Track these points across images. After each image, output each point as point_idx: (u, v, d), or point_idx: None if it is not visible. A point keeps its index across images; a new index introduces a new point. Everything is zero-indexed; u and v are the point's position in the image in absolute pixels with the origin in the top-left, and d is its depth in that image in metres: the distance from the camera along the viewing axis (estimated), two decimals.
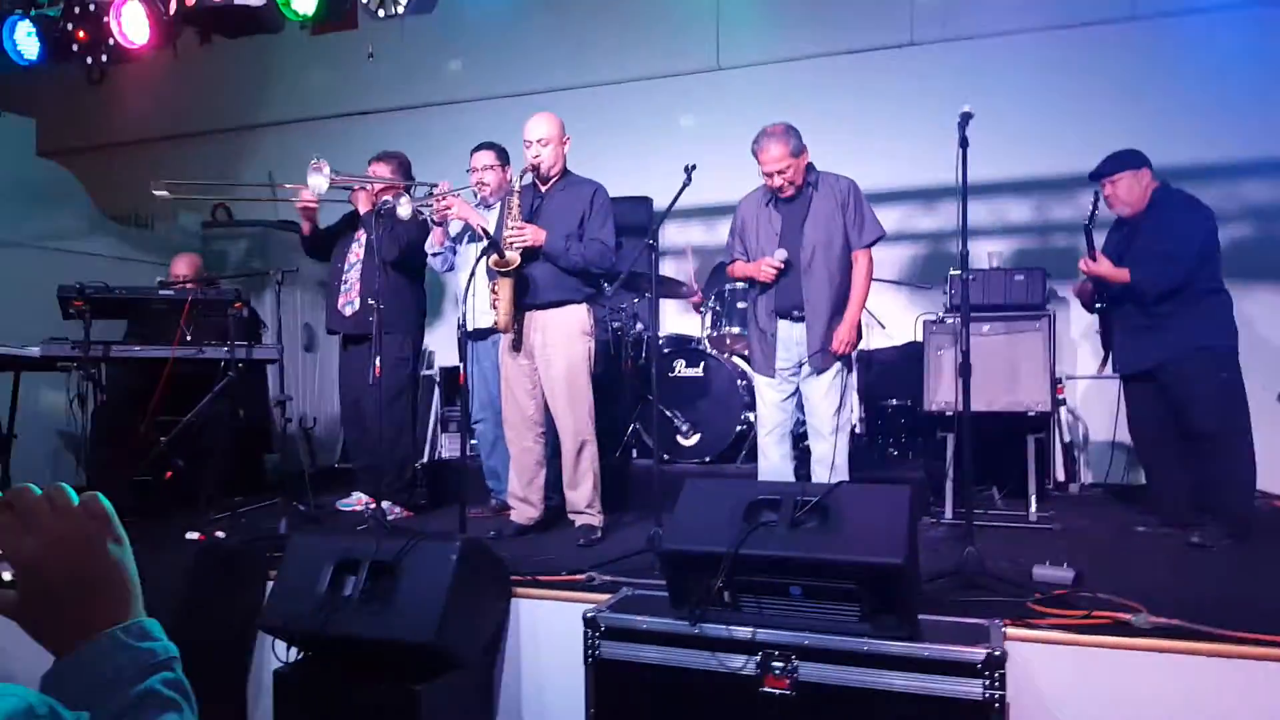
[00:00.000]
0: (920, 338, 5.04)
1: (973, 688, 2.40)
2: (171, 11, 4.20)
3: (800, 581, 2.54)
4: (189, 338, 4.58)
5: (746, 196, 4.11)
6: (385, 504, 4.35)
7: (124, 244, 6.35)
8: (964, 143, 3.28)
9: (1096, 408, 5.49)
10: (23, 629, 0.82)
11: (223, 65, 6.10)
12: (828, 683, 2.51)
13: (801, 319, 3.87)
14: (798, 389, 3.95)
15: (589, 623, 2.76)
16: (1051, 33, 5.63)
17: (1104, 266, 3.92)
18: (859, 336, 3.95)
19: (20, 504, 0.78)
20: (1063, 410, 5.24)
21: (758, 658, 2.57)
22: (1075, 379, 5.54)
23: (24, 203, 5.74)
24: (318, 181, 4.22)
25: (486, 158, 4.48)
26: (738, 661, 2.59)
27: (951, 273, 4.85)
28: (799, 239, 3.86)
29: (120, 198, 6.86)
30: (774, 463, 3.96)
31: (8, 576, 0.80)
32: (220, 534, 3.99)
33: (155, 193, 4.36)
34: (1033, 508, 4.38)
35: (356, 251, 4.58)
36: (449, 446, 5.97)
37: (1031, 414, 4.36)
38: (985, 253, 5.23)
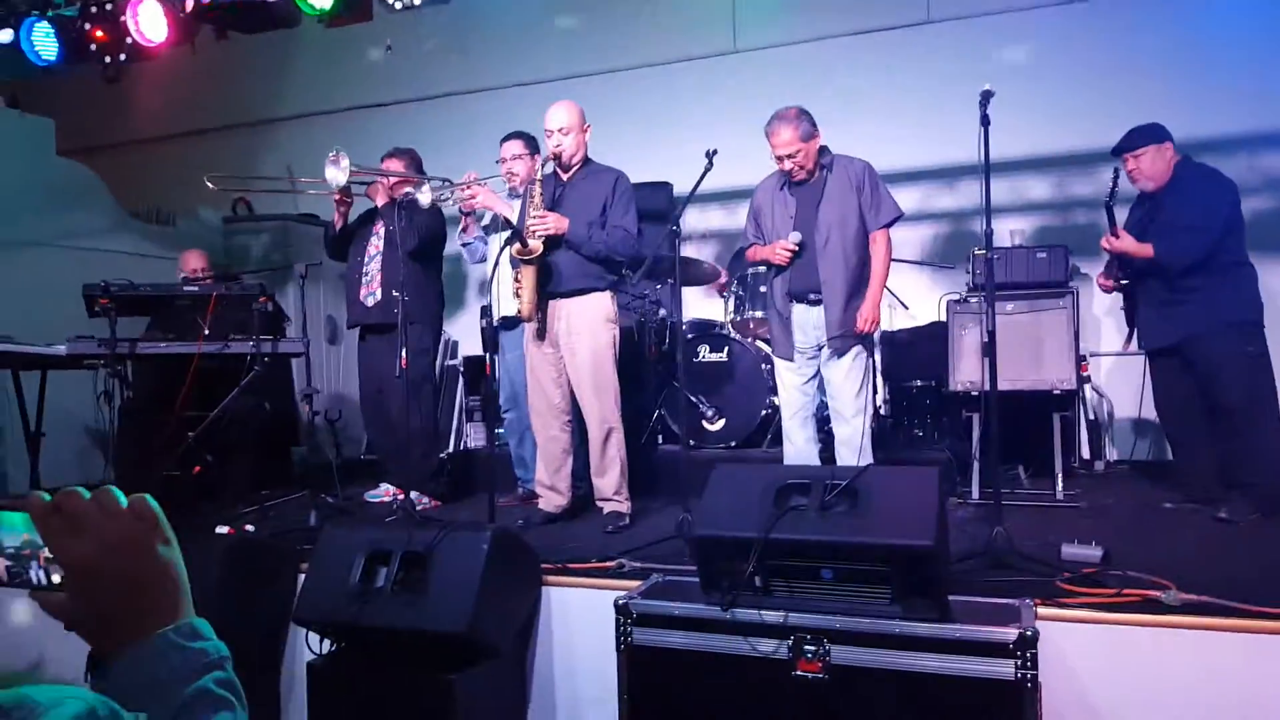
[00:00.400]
0: (943, 317, 5.03)
1: (1005, 668, 2.40)
2: (189, 9, 4.21)
3: (831, 565, 2.55)
4: (207, 332, 4.63)
5: (763, 181, 4.10)
6: (413, 495, 4.38)
7: (146, 241, 6.40)
8: (985, 121, 3.26)
9: (1121, 385, 5.45)
10: (73, 631, 0.83)
11: (238, 60, 6.12)
12: (860, 665, 2.52)
13: (818, 302, 3.87)
14: (818, 372, 3.96)
15: (621, 609, 2.78)
16: (1067, 7, 5.57)
17: (1127, 243, 3.89)
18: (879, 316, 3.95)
19: (70, 507, 0.79)
20: (1087, 388, 5.21)
21: (789, 641, 2.58)
22: (1099, 356, 5.51)
23: (46, 202, 5.79)
24: (335, 174, 4.23)
25: (515, 147, 4.48)
26: (769, 645, 2.60)
27: (975, 252, 4.83)
28: (814, 221, 3.85)
29: (140, 195, 6.92)
30: (799, 446, 3.97)
31: (57, 579, 0.82)
32: (249, 528, 4.03)
33: (208, 184, 4.38)
34: (1059, 486, 4.37)
35: (375, 244, 4.61)
36: (474, 436, 6.00)
37: (1057, 392, 4.34)
38: (1007, 231, 5.20)
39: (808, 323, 3.92)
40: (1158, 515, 3.99)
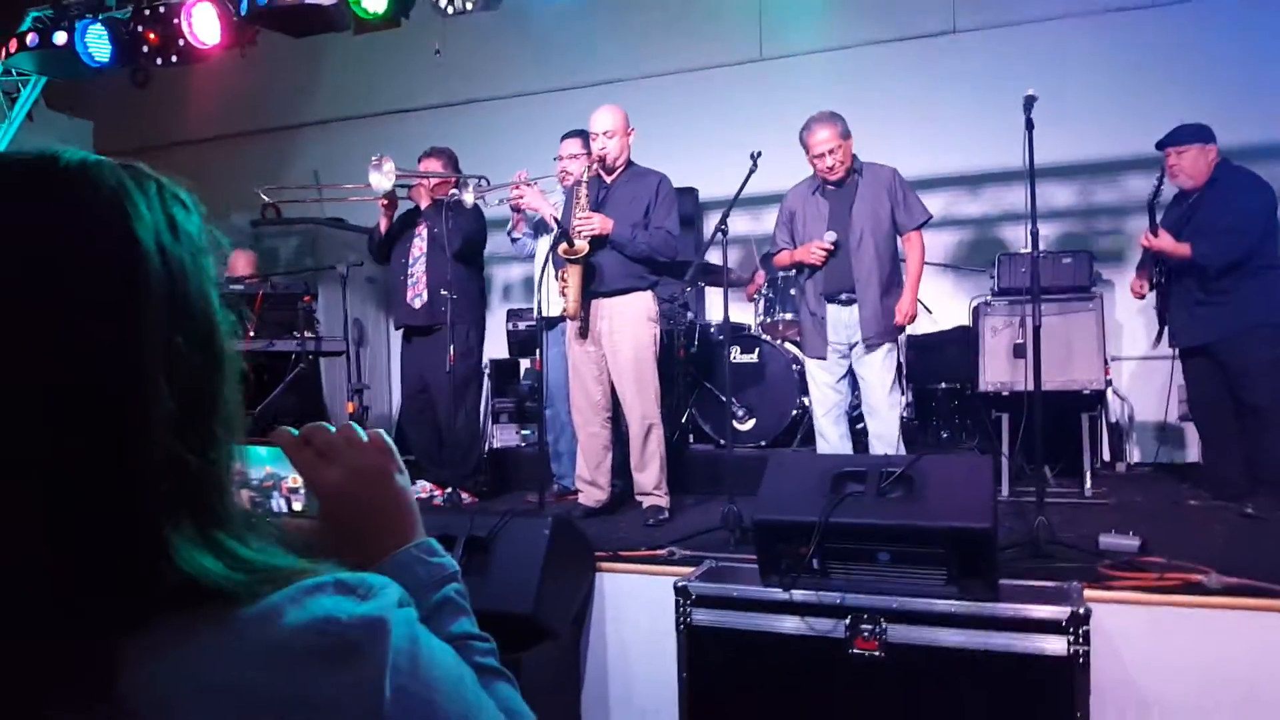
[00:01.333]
0: (969, 321, 5.14)
1: (1058, 644, 2.50)
2: (243, 12, 4.31)
3: (888, 547, 2.65)
4: (252, 332, 4.73)
5: (793, 188, 4.22)
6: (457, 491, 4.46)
7: None
8: (1030, 125, 3.38)
9: (1143, 388, 5.56)
10: (322, 555, 0.92)
11: (266, 64, 6.22)
12: (916, 643, 2.62)
13: (852, 301, 3.99)
14: (849, 370, 4.06)
15: (680, 591, 2.88)
16: (1091, 17, 5.70)
17: (1165, 241, 3.97)
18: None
19: (318, 439, 0.86)
20: (1109, 391, 5.31)
21: (847, 621, 2.67)
22: (1120, 360, 5.61)
23: None
24: (379, 179, 4.33)
25: (574, 145, 4.58)
26: (827, 625, 2.70)
27: (1001, 255, 4.96)
28: (847, 222, 3.99)
29: None
30: (833, 443, 4.07)
31: (298, 506, 0.90)
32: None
33: (263, 197, 4.47)
34: (1088, 484, 4.46)
35: (420, 245, 4.68)
36: (500, 436, 6.09)
37: (1086, 392, 4.43)
38: (1030, 236, 5.29)
39: (840, 322, 4.03)
40: (1186, 511, 4.09)
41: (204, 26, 4.51)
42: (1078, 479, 4.54)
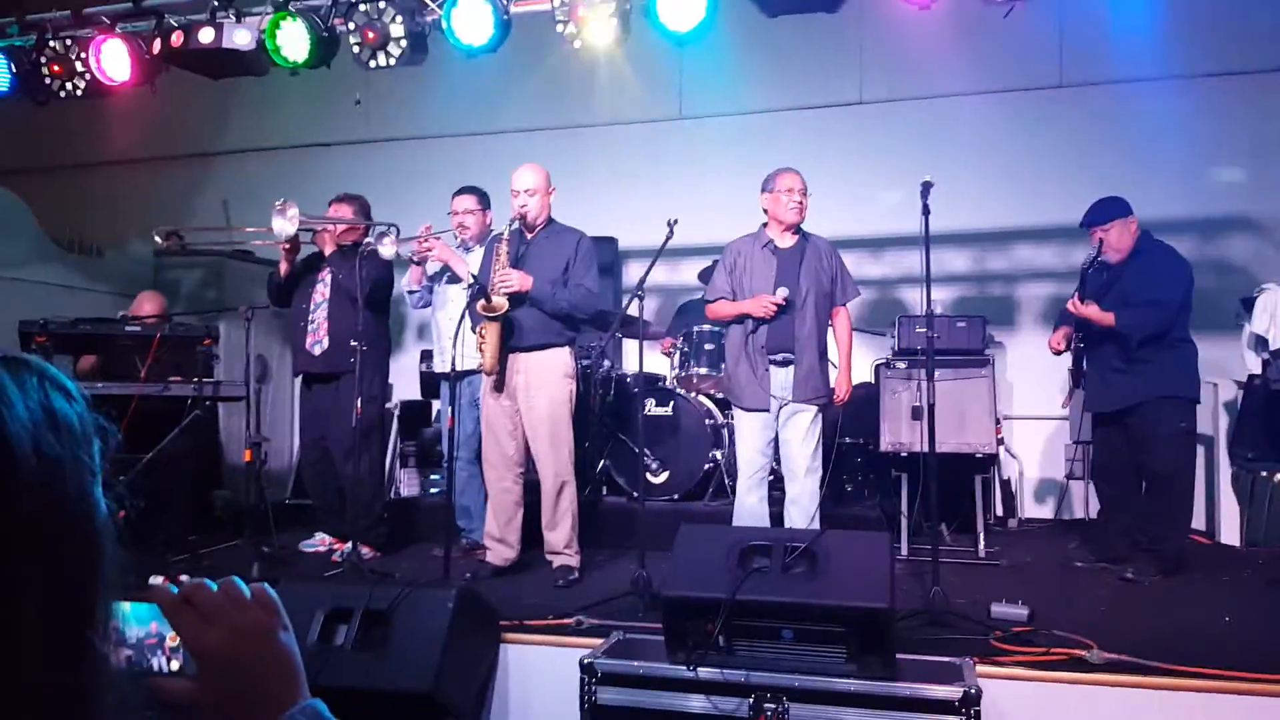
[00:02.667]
0: (872, 379, 5.30)
1: None
2: (155, 51, 4.18)
3: (791, 625, 2.70)
4: (144, 374, 4.55)
5: (736, 241, 4.21)
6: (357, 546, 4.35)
7: (74, 272, 6.19)
8: (926, 210, 3.53)
9: (1035, 447, 5.83)
10: (201, 717, 0.88)
11: (181, 91, 6.02)
12: None
13: (789, 362, 4.01)
14: (775, 435, 4.08)
15: (586, 669, 2.86)
16: (988, 96, 6.01)
17: (1092, 310, 4.09)
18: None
19: (198, 598, 0.84)
20: (1001, 450, 5.54)
21: (750, 700, 2.71)
22: (1012, 419, 5.87)
23: None
24: (283, 225, 4.21)
25: (468, 202, 4.57)
26: (731, 704, 2.72)
27: (900, 316, 5.17)
28: (796, 283, 4.02)
29: (65, 223, 6.69)
30: (751, 505, 4.06)
31: (175, 666, 0.88)
32: (185, 578, 3.93)
33: (157, 238, 4.31)
34: (981, 544, 4.64)
35: (322, 291, 4.58)
36: (407, 483, 5.97)
37: (979, 455, 4.62)
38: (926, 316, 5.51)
39: (776, 381, 4.03)
40: (1071, 573, 4.29)
41: (113, 63, 4.34)
42: (973, 536, 4.71)
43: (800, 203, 4.05)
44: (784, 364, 4.03)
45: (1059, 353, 4.46)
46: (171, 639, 0.93)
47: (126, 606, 0.90)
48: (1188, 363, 4.14)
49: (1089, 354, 4.35)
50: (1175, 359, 4.10)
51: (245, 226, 4.85)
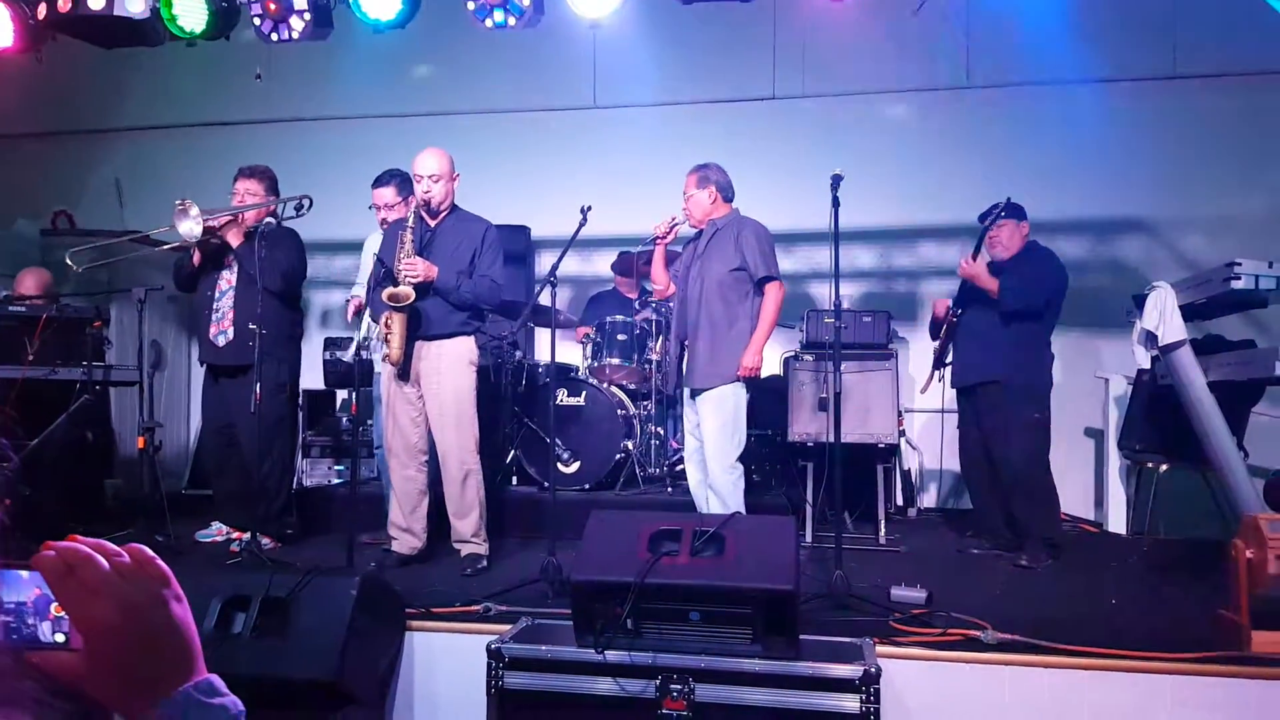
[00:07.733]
0: (781, 371, 5.40)
1: (851, 703, 2.66)
2: (41, 16, 3.93)
3: (699, 607, 2.73)
4: (31, 357, 4.32)
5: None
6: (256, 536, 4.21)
7: None
8: (836, 203, 3.61)
9: (933, 438, 6.02)
10: (89, 693, 0.82)
11: (73, 62, 5.70)
12: (721, 702, 2.71)
13: (686, 349, 4.13)
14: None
15: (493, 654, 2.84)
16: (897, 94, 6.18)
17: (979, 268, 4.34)
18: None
19: (85, 572, 0.79)
20: (902, 441, 5.71)
21: (657, 681, 2.73)
22: (913, 412, 6.05)
23: None
24: (189, 226, 4.03)
25: (388, 195, 4.48)
26: (638, 686, 2.74)
27: (809, 311, 5.27)
28: (687, 272, 4.17)
29: None
30: (692, 486, 4.21)
31: (60, 639, 0.82)
32: (78, 537, 3.76)
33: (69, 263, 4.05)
34: (882, 531, 4.78)
35: (228, 279, 4.39)
36: (311, 473, 5.81)
37: (881, 445, 4.76)
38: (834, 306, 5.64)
39: (686, 367, 4.17)
40: (966, 560, 4.46)
41: None
42: (875, 523, 4.85)
43: (684, 205, 4.18)
44: (684, 350, 4.15)
45: (937, 319, 4.65)
46: (56, 608, 0.87)
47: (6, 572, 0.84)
48: (1044, 359, 4.36)
49: (960, 328, 4.53)
50: (1033, 353, 4.32)
51: (152, 228, 4.59)
